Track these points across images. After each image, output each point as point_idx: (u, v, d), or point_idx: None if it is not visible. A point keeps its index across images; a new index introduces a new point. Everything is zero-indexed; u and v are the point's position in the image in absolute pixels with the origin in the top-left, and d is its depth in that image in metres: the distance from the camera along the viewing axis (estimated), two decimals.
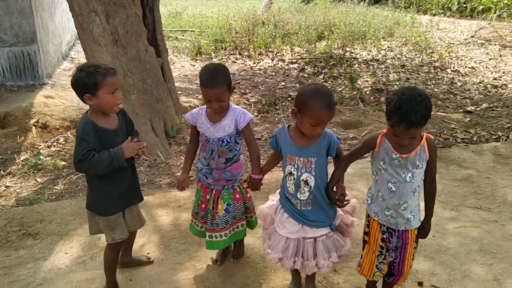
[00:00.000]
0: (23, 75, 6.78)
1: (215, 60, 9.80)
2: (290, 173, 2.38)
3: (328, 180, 2.41)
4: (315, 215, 2.40)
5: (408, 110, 1.99)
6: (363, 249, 2.49)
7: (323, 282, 2.82)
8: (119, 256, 2.82)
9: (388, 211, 2.28)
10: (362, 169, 4.26)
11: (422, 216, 2.37)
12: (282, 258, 2.46)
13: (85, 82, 2.31)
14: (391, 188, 2.24)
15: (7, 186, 4.35)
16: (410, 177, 2.19)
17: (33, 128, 5.56)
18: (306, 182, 2.34)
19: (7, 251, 3.22)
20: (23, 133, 5.45)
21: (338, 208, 2.50)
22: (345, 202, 2.36)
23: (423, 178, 2.27)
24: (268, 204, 2.65)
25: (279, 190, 2.59)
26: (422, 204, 2.36)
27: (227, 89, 2.52)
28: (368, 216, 2.44)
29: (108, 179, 2.47)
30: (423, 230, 2.38)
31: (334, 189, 2.37)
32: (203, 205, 2.80)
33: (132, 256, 3.01)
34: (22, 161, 4.84)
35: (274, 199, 2.64)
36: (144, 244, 3.27)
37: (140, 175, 4.43)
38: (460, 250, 3.16)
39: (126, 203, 2.65)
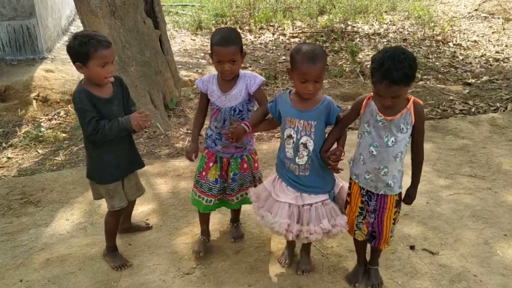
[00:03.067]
0: (22, 49, 6.78)
1: None
2: (290, 136, 2.37)
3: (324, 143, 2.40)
4: (312, 181, 2.41)
5: (390, 67, 1.98)
6: (344, 207, 2.51)
7: (317, 246, 2.89)
8: (119, 223, 2.89)
9: (368, 174, 2.30)
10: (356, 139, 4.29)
11: (406, 183, 2.37)
12: (290, 223, 2.41)
13: (77, 51, 2.31)
14: (372, 152, 2.24)
15: (9, 158, 4.42)
16: (392, 141, 2.19)
17: (34, 101, 5.60)
18: (305, 146, 2.35)
19: (9, 218, 3.31)
20: (23, 107, 5.50)
21: (337, 178, 2.52)
22: (337, 165, 2.32)
23: (409, 144, 2.26)
24: (262, 185, 2.65)
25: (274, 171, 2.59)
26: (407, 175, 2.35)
27: (240, 51, 2.45)
28: (350, 178, 2.46)
29: (105, 148, 2.51)
30: (409, 196, 2.39)
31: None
32: (203, 173, 2.72)
33: (131, 222, 3.07)
34: (23, 133, 4.90)
35: (269, 179, 2.61)
36: (143, 211, 3.35)
37: (140, 146, 4.49)
38: (452, 216, 3.22)
39: (124, 171, 2.68)
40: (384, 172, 2.25)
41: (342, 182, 2.55)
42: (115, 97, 2.51)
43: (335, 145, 2.37)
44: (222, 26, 10.27)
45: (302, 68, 2.20)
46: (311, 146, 2.35)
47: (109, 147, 2.51)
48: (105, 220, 2.76)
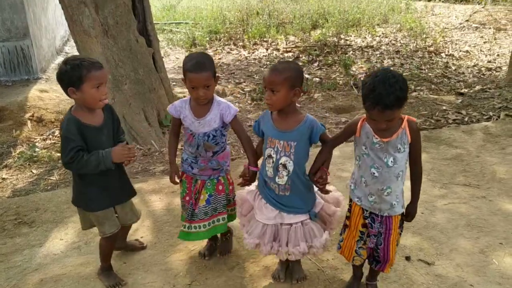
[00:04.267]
0: (17, 70, 6.82)
1: (210, 51, 9.80)
2: (270, 156, 2.38)
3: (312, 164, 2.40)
4: (292, 201, 2.40)
5: (381, 92, 1.96)
6: (341, 231, 2.49)
7: (312, 259, 2.87)
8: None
9: (372, 196, 2.27)
10: (352, 151, 4.29)
11: (406, 202, 2.35)
12: (259, 243, 2.47)
13: (69, 75, 2.25)
14: (373, 173, 2.21)
15: (3, 178, 4.41)
16: (392, 161, 2.17)
17: (28, 122, 5.61)
18: (284, 166, 2.35)
19: (3, 239, 3.28)
20: (18, 127, 5.51)
21: (318, 196, 2.51)
22: (325, 187, 2.35)
23: (407, 162, 2.24)
24: (246, 189, 2.65)
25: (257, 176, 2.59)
26: (407, 191, 2.33)
27: (213, 76, 2.45)
28: (350, 200, 2.43)
29: (92, 178, 2.43)
30: (409, 213, 2.36)
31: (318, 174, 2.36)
32: (187, 197, 2.73)
33: (126, 242, 3.03)
34: (17, 154, 4.89)
35: (252, 185, 2.62)
36: (138, 228, 3.33)
37: (134, 163, 4.49)
38: (447, 226, 3.22)
39: (113, 200, 2.59)
40: (387, 193, 2.22)
41: (323, 201, 2.52)
42: (105, 126, 2.45)
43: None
44: (216, 43, 10.36)
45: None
46: (290, 166, 2.34)
47: (95, 176, 2.41)
48: (100, 244, 2.69)
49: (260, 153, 2.60)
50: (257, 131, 2.51)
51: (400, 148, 2.16)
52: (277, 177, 2.38)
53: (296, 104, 2.41)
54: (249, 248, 2.52)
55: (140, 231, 3.29)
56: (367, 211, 2.33)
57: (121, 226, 2.68)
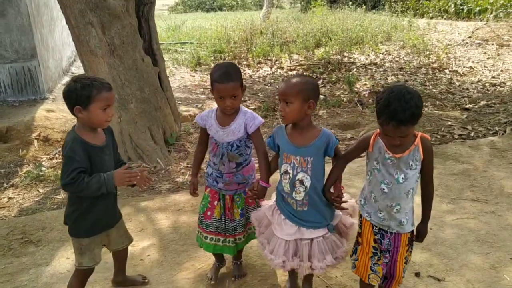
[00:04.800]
0: (24, 90, 6.89)
1: None
2: (286, 172, 2.35)
3: (325, 180, 2.38)
4: (311, 216, 2.37)
5: (397, 108, 1.95)
6: (354, 250, 2.43)
7: (320, 277, 2.84)
8: (113, 275, 2.79)
9: (381, 213, 2.24)
10: (359, 167, 4.29)
11: (416, 220, 2.31)
12: (285, 260, 2.41)
13: (78, 94, 2.20)
14: (383, 189, 2.19)
15: (9, 198, 4.41)
16: (403, 178, 2.14)
17: (35, 141, 5.65)
18: (301, 182, 2.32)
19: (9, 258, 3.27)
20: (25, 147, 5.55)
21: (336, 210, 2.46)
22: (342, 204, 2.34)
23: (418, 180, 2.22)
24: (263, 205, 2.62)
25: (274, 192, 2.56)
26: (417, 209, 2.30)
27: (240, 86, 2.45)
28: (360, 216, 2.40)
29: (86, 204, 2.34)
30: (419, 233, 2.33)
31: (332, 189, 2.35)
32: (208, 212, 2.67)
33: (126, 275, 2.86)
34: (24, 173, 4.91)
35: (269, 202, 2.60)
36: (144, 247, 3.31)
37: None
38: (457, 241, 3.18)
39: (102, 227, 2.48)
40: (396, 210, 2.20)
41: (341, 212, 2.48)
42: (107, 146, 2.41)
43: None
44: (221, 61, 10.45)
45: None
46: (307, 182, 2.32)
47: (92, 203, 2.34)
48: (69, 282, 2.51)
49: (274, 168, 2.58)
50: (272, 146, 2.47)
51: (412, 165, 2.13)
52: (294, 193, 2.35)
53: None
54: (277, 268, 2.47)
55: (146, 250, 3.28)
56: (376, 226, 2.29)
57: (114, 251, 2.61)
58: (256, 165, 2.71)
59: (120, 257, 2.71)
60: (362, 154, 2.38)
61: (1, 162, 5.22)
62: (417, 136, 2.13)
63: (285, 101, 2.25)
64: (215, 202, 2.67)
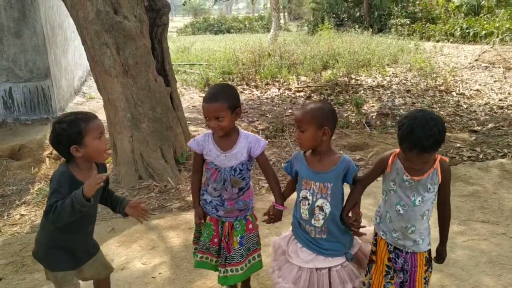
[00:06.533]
0: (37, 109, 7.01)
1: None
2: (305, 198, 2.32)
3: (343, 205, 2.34)
4: (330, 244, 2.32)
5: (420, 136, 1.93)
6: (368, 269, 2.39)
7: None
8: None
9: (396, 232, 2.23)
10: (369, 188, 4.29)
11: (432, 239, 2.30)
12: None
13: (68, 133, 2.10)
14: (399, 210, 2.19)
15: (22, 215, 4.45)
16: (420, 201, 2.14)
17: (47, 159, 5.73)
18: (321, 208, 2.28)
19: (22, 274, 3.30)
20: (37, 164, 5.62)
21: (356, 237, 2.43)
22: (361, 230, 2.30)
23: (434, 202, 2.21)
24: (282, 235, 2.58)
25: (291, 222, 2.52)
26: (434, 229, 2.29)
27: (228, 108, 2.35)
28: (375, 234, 2.38)
29: (59, 239, 2.26)
30: (439, 255, 2.32)
31: (350, 214, 2.32)
32: (215, 239, 2.57)
33: None
34: (36, 190, 4.96)
35: (287, 231, 2.56)
36: (156, 265, 3.33)
37: (151, 200, 4.53)
38: (468, 263, 3.18)
39: (78, 262, 2.36)
40: (411, 231, 2.19)
41: (360, 240, 2.46)
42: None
43: None
44: (229, 83, 10.58)
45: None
46: (327, 209, 2.28)
47: (66, 237, 2.25)
48: None
49: (289, 193, 2.55)
50: (289, 172, 2.44)
51: (430, 188, 2.13)
52: (313, 220, 2.31)
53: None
54: None
55: (158, 267, 3.29)
56: (391, 245, 2.28)
57: (96, 282, 2.54)
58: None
59: (101, 284, 2.58)
60: None
61: (13, 180, 5.28)
62: (436, 159, 2.11)
63: (299, 128, 2.26)
64: (219, 229, 2.58)
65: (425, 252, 2.26)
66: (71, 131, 2.10)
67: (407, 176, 2.13)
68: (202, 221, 2.62)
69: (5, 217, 4.39)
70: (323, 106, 2.30)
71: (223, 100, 2.35)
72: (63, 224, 2.15)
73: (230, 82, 10.64)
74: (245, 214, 2.59)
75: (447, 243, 3.37)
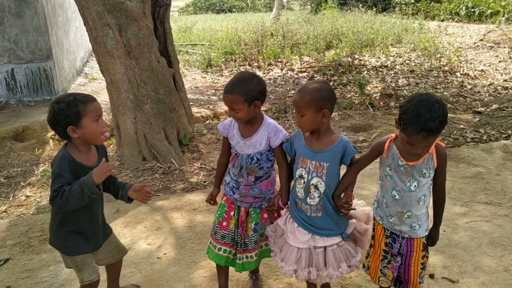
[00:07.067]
0: (39, 90, 6.99)
1: (225, 72, 9.96)
2: (301, 176, 2.33)
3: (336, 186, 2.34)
4: (325, 223, 2.34)
5: (428, 119, 1.94)
6: (368, 252, 2.45)
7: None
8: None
9: (392, 218, 2.25)
10: (372, 169, 4.29)
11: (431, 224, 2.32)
12: (297, 269, 2.38)
13: (66, 114, 2.11)
14: (394, 196, 2.21)
15: (27, 196, 4.49)
16: (415, 186, 2.16)
17: (50, 140, 5.74)
18: (316, 187, 2.30)
19: (29, 255, 3.34)
20: (41, 146, 5.64)
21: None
22: (350, 211, 2.30)
23: (431, 187, 2.22)
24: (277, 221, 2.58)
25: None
26: (431, 213, 2.31)
27: (244, 101, 2.32)
28: (374, 219, 2.41)
29: (71, 223, 2.29)
30: (431, 238, 2.33)
31: (342, 195, 2.32)
32: (224, 223, 2.59)
33: (119, 287, 2.78)
34: (40, 172, 4.99)
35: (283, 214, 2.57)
36: (161, 245, 3.37)
37: (155, 181, 4.56)
38: (470, 244, 3.21)
39: (93, 246, 2.40)
40: (407, 216, 2.21)
41: (355, 220, 2.47)
42: None
43: None
44: (232, 63, 10.52)
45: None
46: (322, 187, 2.29)
47: (78, 221, 2.28)
48: None
49: (289, 189, 2.54)
50: (289, 150, 2.44)
51: (425, 173, 2.14)
52: (308, 198, 2.32)
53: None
54: (288, 276, 2.41)
55: (163, 248, 3.33)
56: (388, 230, 2.31)
57: (108, 265, 2.58)
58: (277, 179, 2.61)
59: (113, 269, 2.64)
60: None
61: (17, 161, 5.31)
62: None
63: (299, 112, 2.25)
64: (231, 213, 2.60)
65: (422, 238, 2.27)
66: (69, 112, 2.12)
67: (403, 161, 2.14)
68: (211, 202, 2.67)
69: (11, 199, 4.43)
70: (321, 87, 2.25)
71: (240, 92, 2.33)
72: (72, 210, 2.18)
73: (232, 63, 10.58)
74: (261, 203, 2.58)
75: (450, 225, 3.43)
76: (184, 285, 2.91)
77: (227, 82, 2.42)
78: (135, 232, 3.58)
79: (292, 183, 2.46)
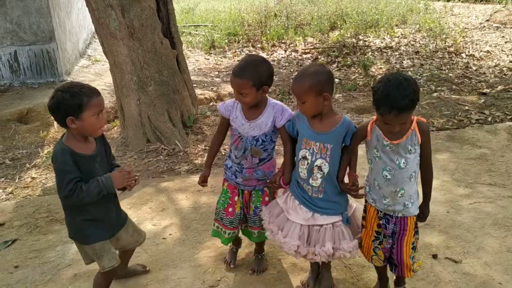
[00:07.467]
0: (43, 72, 6.98)
1: (228, 53, 9.90)
2: (304, 158, 2.34)
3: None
4: (325, 203, 2.38)
5: (396, 97, 1.98)
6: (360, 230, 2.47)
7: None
8: None
9: (385, 199, 2.26)
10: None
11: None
12: (300, 245, 2.40)
13: (69, 104, 2.10)
14: (386, 176, 2.22)
15: (33, 178, 4.53)
16: (404, 163, 2.17)
17: (55, 123, 5.75)
18: (319, 168, 2.31)
19: (36, 235, 3.39)
20: (45, 128, 5.67)
21: (350, 200, 2.48)
22: (359, 192, 2.33)
23: (419, 163, 2.24)
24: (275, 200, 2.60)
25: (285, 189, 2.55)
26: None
27: (252, 86, 2.32)
28: (366, 201, 2.42)
29: (86, 211, 2.29)
30: (422, 213, 2.34)
31: (346, 179, 2.34)
32: (230, 209, 2.61)
33: (127, 267, 2.82)
34: (45, 154, 5.02)
35: (280, 195, 2.59)
36: (166, 226, 3.41)
37: (160, 163, 4.59)
38: (474, 225, 3.22)
39: (109, 232, 2.43)
40: (401, 194, 2.23)
41: (355, 203, 2.51)
42: (98, 154, 2.31)
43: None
44: (235, 45, 10.44)
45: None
46: (325, 168, 2.31)
47: (92, 209, 2.29)
48: (94, 280, 2.50)
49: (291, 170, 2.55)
50: (291, 131, 2.45)
51: (410, 150, 2.16)
52: (311, 179, 2.35)
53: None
54: (290, 252, 2.42)
55: (168, 229, 3.37)
56: (381, 212, 2.32)
57: (124, 250, 2.61)
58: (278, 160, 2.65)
59: (128, 253, 2.70)
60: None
61: (22, 143, 5.35)
62: (413, 121, 2.15)
63: (299, 100, 2.25)
64: (236, 198, 2.62)
65: (414, 216, 2.30)
66: (72, 102, 2.11)
67: (387, 141, 2.17)
68: (204, 184, 2.71)
69: (17, 180, 4.47)
70: (317, 71, 2.25)
71: (248, 76, 2.31)
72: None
73: (235, 44, 10.50)
74: (263, 185, 2.59)
75: (453, 206, 3.44)
76: (190, 265, 2.95)
77: (230, 64, 2.43)
78: (141, 213, 3.61)
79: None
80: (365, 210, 2.43)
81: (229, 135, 2.66)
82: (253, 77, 2.31)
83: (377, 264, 2.43)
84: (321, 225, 2.39)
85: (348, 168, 2.38)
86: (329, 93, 2.24)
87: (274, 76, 7.72)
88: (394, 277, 2.54)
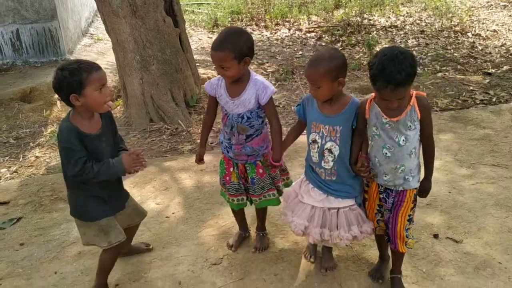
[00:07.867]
0: (45, 51, 6.95)
1: None
2: (314, 141, 2.35)
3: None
4: (339, 186, 2.38)
5: (392, 71, 1.93)
6: (363, 204, 2.48)
7: None
8: None
9: (386, 176, 2.26)
10: None
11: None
12: (308, 226, 2.43)
13: (69, 82, 2.11)
14: (386, 153, 2.21)
15: (37, 157, 4.55)
16: (404, 140, 2.16)
17: (58, 102, 5.75)
18: (330, 151, 2.32)
19: (41, 214, 3.43)
20: (48, 107, 5.67)
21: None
22: (370, 173, 2.31)
23: (420, 139, 2.23)
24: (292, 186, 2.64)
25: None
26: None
27: (234, 58, 2.27)
28: None
29: (90, 189, 2.31)
30: (423, 188, 2.33)
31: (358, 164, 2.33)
32: (227, 177, 2.68)
33: (131, 246, 2.86)
34: (49, 133, 5.04)
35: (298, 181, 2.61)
36: (169, 205, 3.43)
37: (163, 142, 4.61)
38: (476, 205, 3.23)
39: (115, 205, 2.46)
40: (401, 170, 2.22)
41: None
42: (104, 133, 2.32)
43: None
44: (238, 23, 10.34)
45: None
46: (336, 151, 2.31)
47: (96, 187, 2.31)
48: (100, 258, 2.49)
49: (294, 137, 2.57)
50: (301, 114, 2.45)
51: (410, 126, 2.13)
52: (322, 162, 2.36)
53: None
54: (297, 232, 2.45)
55: (171, 207, 3.40)
56: (382, 186, 2.33)
57: (128, 227, 2.61)
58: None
59: (130, 231, 2.71)
60: None
61: (26, 122, 5.36)
62: (412, 96, 2.11)
63: (314, 85, 2.22)
64: (231, 169, 2.66)
65: (414, 189, 2.30)
66: (71, 79, 2.11)
67: (386, 118, 2.14)
68: (201, 162, 2.74)
69: (21, 159, 4.49)
70: (332, 55, 2.22)
71: (229, 49, 2.26)
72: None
73: (239, 23, 10.40)
74: (255, 159, 2.60)
75: (455, 186, 3.45)
76: (192, 243, 2.98)
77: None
78: (144, 192, 3.64)
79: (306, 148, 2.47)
80: (367, 184, 2.44)
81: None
82: (234, 49, 2.26)
83: (379, 233, 2.48)
84: (338, 209, 2.40)
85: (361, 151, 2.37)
86: (343, 78, 2.23)
87: (277, 56, 7.76)
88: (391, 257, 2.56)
